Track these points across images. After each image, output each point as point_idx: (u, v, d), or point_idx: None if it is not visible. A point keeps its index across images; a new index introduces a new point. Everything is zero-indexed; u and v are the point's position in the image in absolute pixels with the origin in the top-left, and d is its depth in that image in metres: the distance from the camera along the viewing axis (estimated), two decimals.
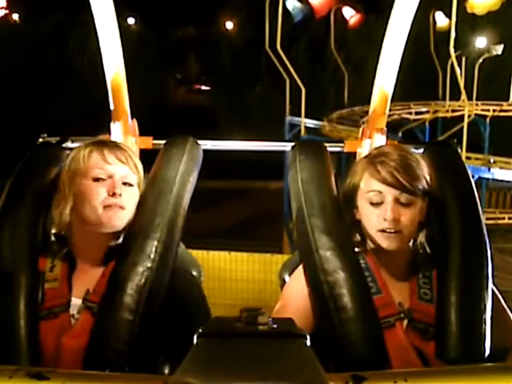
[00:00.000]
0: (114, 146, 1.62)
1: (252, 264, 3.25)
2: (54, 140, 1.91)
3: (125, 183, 1.58)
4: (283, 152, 2.26)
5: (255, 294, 3.18)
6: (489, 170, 8.58)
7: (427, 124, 10.59)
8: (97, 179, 1.56)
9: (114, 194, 1.54)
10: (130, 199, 1.58)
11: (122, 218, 1.55)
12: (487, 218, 8.77)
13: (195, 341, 0.88)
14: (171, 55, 21.23)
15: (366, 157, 1.64)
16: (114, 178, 1.56)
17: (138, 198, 1.62)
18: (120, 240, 1.61)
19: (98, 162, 1.58)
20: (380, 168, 1.53)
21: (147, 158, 2.02)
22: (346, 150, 2.22)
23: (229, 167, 11.26)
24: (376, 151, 1.62)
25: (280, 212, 9.19)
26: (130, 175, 1.60)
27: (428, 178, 1.56)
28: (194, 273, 1.82)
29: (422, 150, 1.78)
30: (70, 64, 18.00)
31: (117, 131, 2.12)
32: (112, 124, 2.12)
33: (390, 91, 2.08)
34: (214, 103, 18.90)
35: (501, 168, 8.80)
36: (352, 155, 2.23)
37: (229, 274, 3.23)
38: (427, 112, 11.03)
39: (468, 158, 8.52)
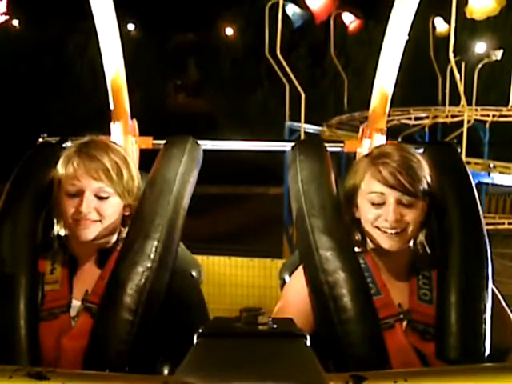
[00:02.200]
0: (87, 158, 1.55)
1: (252, 269, 3.24)
2: (53, 140, 1.91)
3: (98, 196, 1.55)
4: (283, 155, 2.27)
5: (255, 298, 3.17)
6: (488, 174, 8.58)
7: (427, 129, 10.59)
8: (68, 194, 1.54)
9: (81, 213, 1.52)
10: (106, 210, 1.56)
11: (93, 231, 1.54)
12: (487, 223, 8.68)
13: (195, 341, 0.87)
14: (171, 61, 21.25)
15: (367, 156, 1.63)
16: (84, 194, 1.53)
17: (118, 206, 1.59)
18: (114, 239, 1.61)
19: (69, 175, 1.55)
20: (382, 169, 1.52)
21: (147, 158, 2.02)
22: (345, 149, 2.23)
23: (228, 172, 11.27)
24: (377, 151, 1.61)
25: (280, 217, 9.18)
26: (104, 188, 1.55)
27: (429, 179, 1.55)
28: (194, 273, 1.81)
29: (422, 150, 1.77)
30: (69, 68, 18.05)
31: (117, 131, 2.12)
32: (112, 124, 2.12)
33: (389, 91, 2.08)
34: (214, 109, 18.89)
35: (500, 173, 8.79)
36: (352, 156, 2.24)
37: (229, 279, 3.23)
38: (427, 117, 11.01)
39: (468, 162, 8.51)
